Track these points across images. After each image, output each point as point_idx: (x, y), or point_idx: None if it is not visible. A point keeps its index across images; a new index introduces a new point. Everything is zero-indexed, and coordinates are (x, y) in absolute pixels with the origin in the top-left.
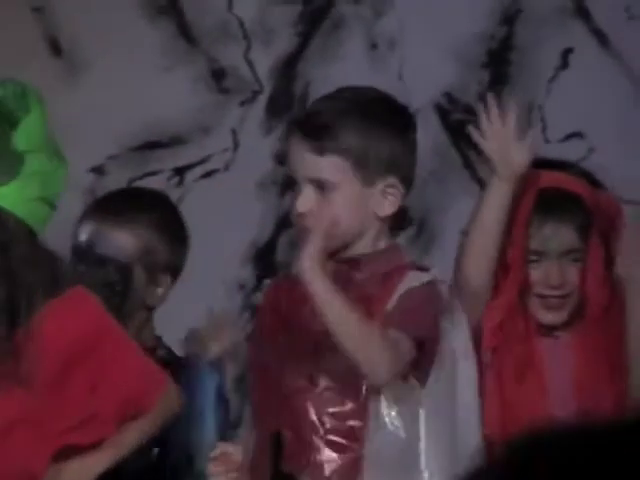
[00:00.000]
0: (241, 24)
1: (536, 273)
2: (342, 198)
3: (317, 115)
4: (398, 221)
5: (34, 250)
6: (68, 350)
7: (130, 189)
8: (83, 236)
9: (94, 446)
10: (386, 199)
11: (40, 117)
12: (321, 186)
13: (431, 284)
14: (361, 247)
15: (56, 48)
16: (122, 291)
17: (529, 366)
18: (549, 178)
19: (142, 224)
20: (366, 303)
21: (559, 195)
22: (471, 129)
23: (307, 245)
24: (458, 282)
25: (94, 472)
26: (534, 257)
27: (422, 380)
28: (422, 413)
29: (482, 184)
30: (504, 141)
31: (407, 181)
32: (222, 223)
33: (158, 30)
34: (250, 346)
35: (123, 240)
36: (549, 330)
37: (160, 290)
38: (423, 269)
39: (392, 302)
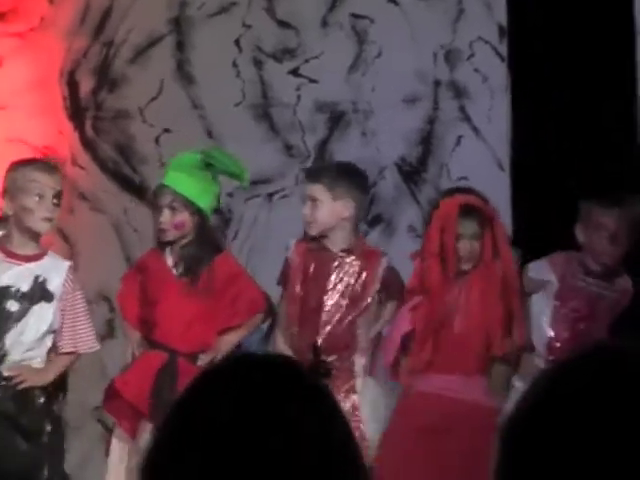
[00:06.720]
0: (300, 123)
1: (459, 246)
2: (322, 208)
3: (319, 166)
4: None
5: (212, 229)
6: (223, 279)
7: None
8: None
9: (237, 327)
10: (345, 208)
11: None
12: (314, 200)
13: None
14: (340, 240)
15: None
16: None
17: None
18: (463, 198)
19: None
20: (360, 275)
21: (469, 206)
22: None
23: None
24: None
25: (235, 340)
26: (457, 238)
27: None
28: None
29: (420, 203)
30: None
31: (359, 206)
32: (291, 224)
33: (261, 126)
34: (292, 286)
35: None
36: (464, 273)
37: None
38: (384, 254)
39: (379, 275)
